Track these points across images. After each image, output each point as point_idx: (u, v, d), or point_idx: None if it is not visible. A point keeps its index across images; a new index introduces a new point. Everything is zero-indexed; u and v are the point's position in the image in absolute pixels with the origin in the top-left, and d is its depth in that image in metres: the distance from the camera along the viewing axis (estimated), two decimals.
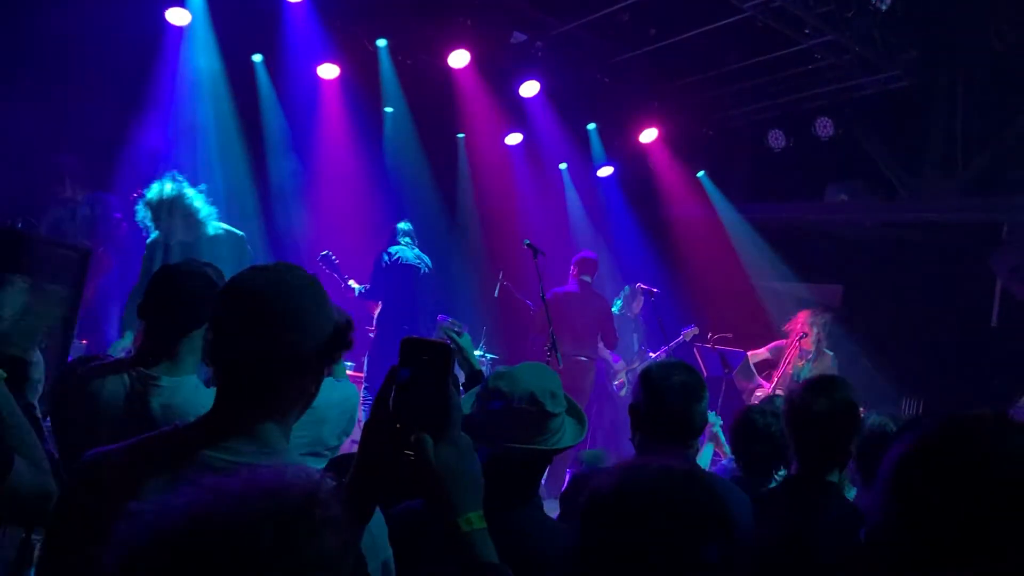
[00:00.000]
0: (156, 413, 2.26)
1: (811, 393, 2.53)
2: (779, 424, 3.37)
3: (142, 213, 5.37)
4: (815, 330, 7.61)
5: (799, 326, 7.71)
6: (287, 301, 1.46)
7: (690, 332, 8.13)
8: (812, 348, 7.59)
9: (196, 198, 5.36)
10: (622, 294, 8.60)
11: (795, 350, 7.64)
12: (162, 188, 5.31)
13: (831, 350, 7.64)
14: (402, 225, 7.68)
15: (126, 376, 2.33)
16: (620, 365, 8.36)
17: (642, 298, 8.16)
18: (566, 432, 2.12)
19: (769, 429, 3.36)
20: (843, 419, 2.53)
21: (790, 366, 7.55)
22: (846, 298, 10.14)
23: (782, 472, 3.37)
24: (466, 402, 2.17)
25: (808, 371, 7.46)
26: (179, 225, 5.31)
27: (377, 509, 1.50)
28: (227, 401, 1.49)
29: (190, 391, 2.33)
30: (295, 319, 1.46)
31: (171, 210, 5.30)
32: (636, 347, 8.44)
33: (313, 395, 1.53)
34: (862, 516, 2.41)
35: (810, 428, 2.52)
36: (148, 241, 5.46)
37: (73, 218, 6.41)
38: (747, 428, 3.42)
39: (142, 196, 6.41)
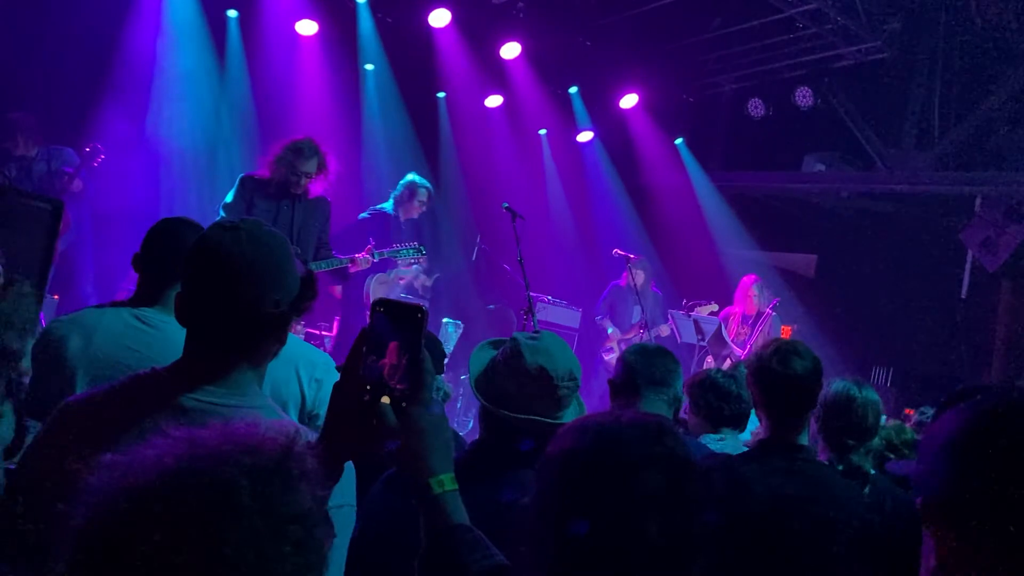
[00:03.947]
0: (154, 347, 2.32)
1: (786, 356, 2.58)
2: (737, 387, 3.45)
3: None
4: (755, 293, 7.86)
5: (741, 291, 7.98)
6: (266, 263, 1.51)
7: (706, 308, 8.09)
8: (755, 311, 7.85)
9: None
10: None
11: (738, 317, 7.94)
12: None
13: (771, 310, 7.83)
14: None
15: (124, 312, 2.41)
16: (614, 334, 8.36)
17: (641, 272, 8.05)
18: (574, 405, 2.19)
19: (731, 389, 3.44)
20: (816, 382, 2.63)
21: (758, 332, 7.70)
22: (820, 267, 10.23)
23: (724, 431, 3.42)
24: (479, 359, 2.20)
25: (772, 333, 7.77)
26: None
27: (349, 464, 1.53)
28: (203, 351, 1.54)
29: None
30: (271, 278, 1.51)
31: None
32: (635, 319, 8.36)
33: (283, 343, 1.60)
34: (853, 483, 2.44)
35: (787, 391, 2.57)
36: None
37: (29, 175, 6.29)
38: (715, 387, 3.48)
39: (98, 148, 6.31)
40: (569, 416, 2.14)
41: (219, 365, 1.53)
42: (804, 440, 2.62)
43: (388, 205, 6.97)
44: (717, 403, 3.39)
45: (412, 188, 6.90)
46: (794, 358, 2.57)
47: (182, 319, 1.57)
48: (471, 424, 7.57)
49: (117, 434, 1.39)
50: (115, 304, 2.51)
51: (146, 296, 2.47)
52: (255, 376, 1.57)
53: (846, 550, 2.36)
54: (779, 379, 2.55)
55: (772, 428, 2.60)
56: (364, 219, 6.96)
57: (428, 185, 6.99)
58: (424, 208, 6.99)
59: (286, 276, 1.54)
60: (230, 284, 1.50)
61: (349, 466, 1.56)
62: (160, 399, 1.48)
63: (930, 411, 4.11)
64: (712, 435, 3.37)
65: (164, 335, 2.37)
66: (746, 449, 3.10)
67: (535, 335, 2.19)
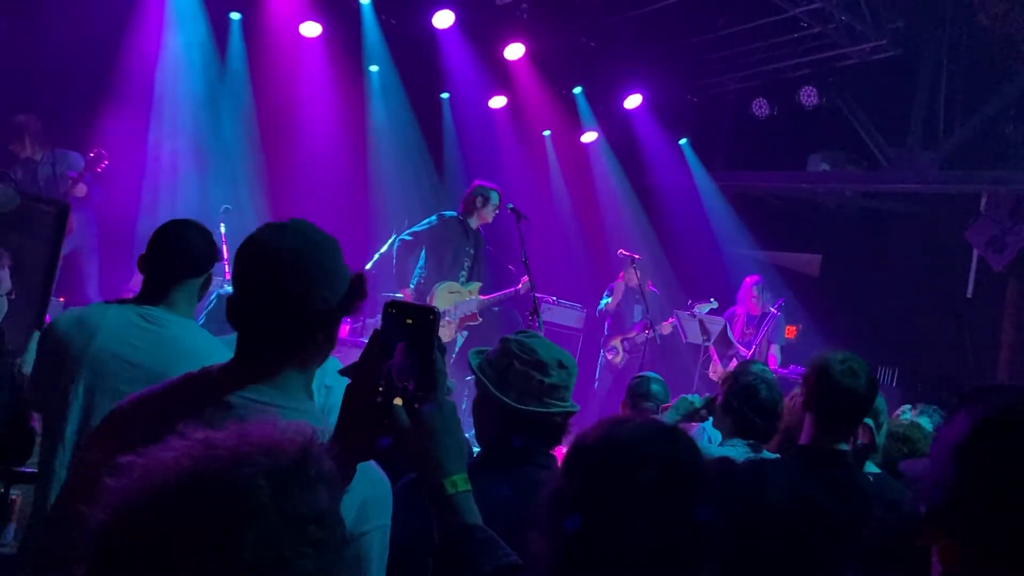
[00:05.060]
0: (156, 344, 2.39)
1: (852, 368, 2.60)
2: (775, 403, 3.36)
3: None
4: (756, 294, 7.92)
5: (743, 292, 8.04)
6: (314, 259, 1.51)
7: (704, 307, 8.05)
8: (759, 311, 7.90)
9: None
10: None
11: (743, 316, 7.99)
12: None
13: (777, 309, 7.86)
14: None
15: (128, 309, 2.47)
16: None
17: (634, 271, 8.01)
18: None
19: (774, 403, 3.32)
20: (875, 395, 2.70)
21: (764, 332, 7.71)
22: (825, 267, 10.22)
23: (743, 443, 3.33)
24: (473, 359, 2.28)
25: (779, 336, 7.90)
26: None
27: (383, 476, 1.53)
28: (251, 350, 1.54)
29: (194, 328, 2.53)
30: (322, 276, 1.51)
31: None
32: (637, 317, 8.33)
33: (333, 344, 1.58)
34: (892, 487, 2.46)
35: (850, 404, 2.60)
36: None
37: (35, 178, 6.30)
38: (754, 399, 3.34)
39: (102, 153, 6.34)
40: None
41: (266, 365, 1.51)
42: (845, 447, 2.64)
43: (454, 212, 7.03)
44: (750, 415, 3.30)
45: (487, 194, 7.04)
46: (862, 372, 2.61)
47: (232, 320, 1.55)
48: None
49: (163, 432, 1.40)
50: (121, 301, 2.56)
51: (151, 295, 2.52)
52: (303, 380, 1.55)
53: (869, 559, 2.35)
54: (846, 389, 2.57)
55: (816, 435, 2.60)
56: (436, 226, 6.98)
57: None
58: (497, 211, 7.09)
59: (334, 274, 1.52)
60: (275, 277, 1.48)
61: (387, 487, 1.54)
62: (207, 396, 1.47)
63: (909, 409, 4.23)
64: (740, 439, 3.28)
65: (167, 332, 2.43)
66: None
67: (528, 334, 2.27)
